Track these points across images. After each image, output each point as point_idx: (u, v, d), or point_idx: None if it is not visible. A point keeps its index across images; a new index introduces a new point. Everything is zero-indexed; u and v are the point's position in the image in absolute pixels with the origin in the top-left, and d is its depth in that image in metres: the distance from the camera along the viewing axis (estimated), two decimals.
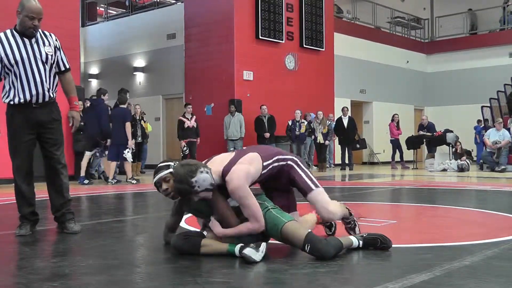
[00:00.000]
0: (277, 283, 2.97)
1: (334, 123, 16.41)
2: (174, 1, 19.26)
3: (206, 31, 16.12)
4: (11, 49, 4.43)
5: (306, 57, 17.39)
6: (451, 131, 16.60)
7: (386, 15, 23.30)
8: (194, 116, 13.96)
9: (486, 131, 16.49)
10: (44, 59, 4.50)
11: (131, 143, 11.37)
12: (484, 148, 15.86)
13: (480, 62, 22.37)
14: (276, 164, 3.79)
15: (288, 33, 16.88)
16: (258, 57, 15.98)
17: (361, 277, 3.15)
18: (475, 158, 17.94)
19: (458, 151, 15.67)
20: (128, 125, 11.26)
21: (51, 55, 4.55)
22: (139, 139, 13.95)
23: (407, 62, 22.85)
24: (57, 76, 4.67)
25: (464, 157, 15.34)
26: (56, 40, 4.67)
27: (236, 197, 3.49)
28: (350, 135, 16.27)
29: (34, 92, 4.48)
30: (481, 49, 22.45)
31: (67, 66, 4.68)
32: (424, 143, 17.51)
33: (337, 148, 17.03)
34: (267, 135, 14.83)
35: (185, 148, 13.61)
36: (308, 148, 15.71)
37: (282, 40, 16.56)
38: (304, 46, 17.25)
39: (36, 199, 4.85)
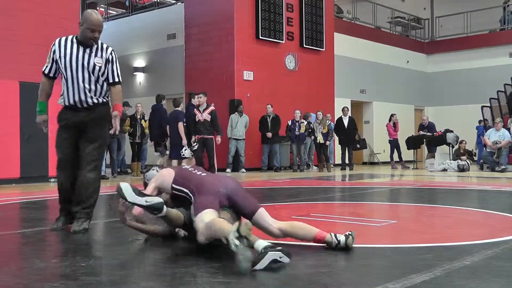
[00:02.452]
0: (278, 283, 2.98)
1: (334, 123, 16.40)
2: (174, 1, 19.26)
3: (206, 31, 16.13)
4: (65, 54, 4.80)
5: (306, 57, 17.39)
6: (451, 131, 16.61)
7: (386, 15, 23.31)
8: (211, 108, 12.11)
9: (486, 131, 16.49)
10: (91, 69, 4.79)
11: (185, 141, 11.83)
12: (484, 148, 15.85)
13: (480, 62, 22.37)
14: (183, 194, 3.92)
15: (288, 33, 16.88)
16: (258, 57, 15.98)
17: (362, 277, 3.15)
18: (475, 158, 17.92)
19: (461, 150, 15.67)
20: (180, 125, 11.83)
21: (99, 67, 4.81)
22: (138, 139, 13.95)
23: (407, 62, 22.85)
24: (105, 84, 4.92)
25: (464, 157, 15.34)
26: (110, 53, 4.91)
27: None
28: (350, 135, 16.27)
29: (77, 97, 4.83)
30: (481, 49, 22.45)
31: (116, 80, 4.93)
32: (424, 143, 17.50)
33: (337, 148, 17.02)
34: (269, 134, 14.83)
35: (194, 144, 12.32)
36: (308, 148, 15.70)
37: (282, 40, 16.56)
38: (304, 46, 17.26)
39: (72, 192, 5.01)
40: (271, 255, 3.19)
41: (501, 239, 4.16)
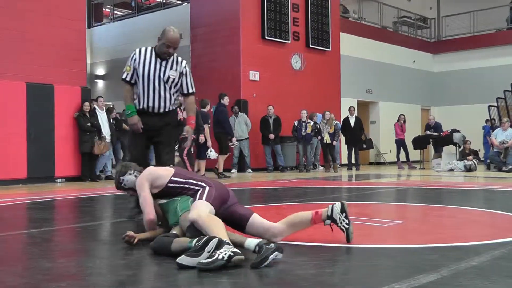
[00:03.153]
0: (283, 284, 2.97)
1: (341, 123, 16.37)
2: (180, 2, 19.28)
3: (212, 31, 16.14)
4: (143, 64, 5.26)
5: (312, 57, 17.38)
6: (458, 131, 16.55)
7: (392, 15, 23.26)
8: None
9: (493, 131, 16.42)
10: (165, 80, 5.27)
11: (210, 143, 11.98)
12: (491, 148, 15.80)
13: (487, 61, 22.29)
14: (186, 185, 4.02)
15: (294, 33, 16.88)
16: (264, 57, 15.98)
17: (368, 277, 3.14)
18: (482, 158, 17.86)
19: (466, 150, 15.61)
20: (205, 126, 11.90)
21: (173, 79, 5.30)
22: None
23: (414, 61, 22.80)
24: (177, 94, 5.44)
25: (470, 157, 15.28)
26: (184, 67, 5.38)
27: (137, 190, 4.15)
28: (356, 135, 16.24)
29: (151, 104, 5.31)
30: (487, 49, 22.36)
31: (190, 91, 5.43)
32: (431, 143, 17.45)
33: (343, 148, 16.99)
34: (272, 136, 14.83)
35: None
36: (314, 148, 15.69)
37: (288, 40, 16.56)
38: (310, 46, 17.25)
39: None
40: (272, 256, 3.21)
41: (508, 239, 4.14)
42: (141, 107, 5.36)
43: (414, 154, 17.86)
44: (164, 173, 4.11)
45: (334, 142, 15.53)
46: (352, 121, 16.25)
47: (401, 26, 23.80)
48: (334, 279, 3.02)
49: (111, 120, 13.02)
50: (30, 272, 3.31)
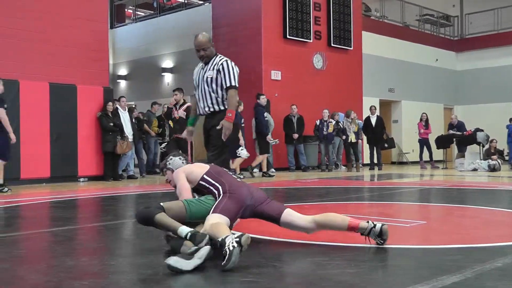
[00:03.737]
0: (306, 283, 2.96)
1: (362, 122, 16.29)
2: (202, 2, 19.34)
3: (234, 31, 16.15)
4: (197, 72, 5.74)
5: (334, 56, 17.31)
6: (482, 130, 16.36)
7: (415, 13, 23.06)
8: (187, 104, 11.32)
9: None
10: (205, 81, 5.58)
11: (242, 141, 12.21)
12: None
13: (511, 59, 21.98)
14: (212, 188, 4.04)
15: (316, 32, 16.82)
16: (286, 56, 15.96)
17: (390, 278, 3.12)
18: (506, 158, 17.63)
19: (492, 150, 15.42)
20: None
21: (211, 78, 5.54)
22: (167, 138, 14.04)
23: (436, 60, 22.58)
24: (222, 93, 5.56)
25: (495, 156, 15.09)
26: (221, 64, 5.57)
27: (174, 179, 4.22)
28: (378, 134, 16.14)
29: (201, 105, 5.63)
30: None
31: (228, 84, 5.52)
32: (454, 142, 17.27)
33: (365, 147, 16.89)
34: (296, 136, 14.78)
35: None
36: (336, 148, 15.62)
37: (310, 39, 16.51)
38: (332, 45, 17.18)
39: None
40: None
41: None
42: (198, 112, 5.76)
43: (437, 154, 17.69)
44: (198, 170, 4.18)
45: (359, 141, 15.46)
46: (373, 120, 16.14)
47: (423, 24, 23.57)
48: (355, 280, 3.00)
49: (133, 120, 13.10)
50: (53, 270, 3.34)
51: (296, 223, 3.94)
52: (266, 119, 13.50)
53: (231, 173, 4.31)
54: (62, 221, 5.75)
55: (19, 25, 11.49)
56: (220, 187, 4.00)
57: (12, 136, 9.62)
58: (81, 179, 11.99)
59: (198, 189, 4.12)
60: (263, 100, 13.49)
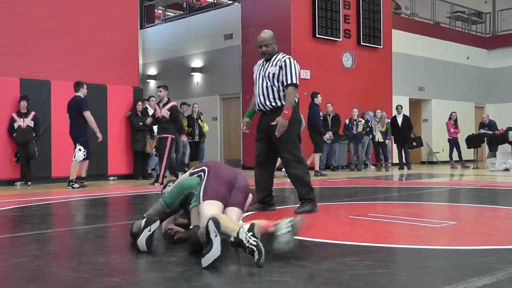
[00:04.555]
0: (335, 284, 2.95)
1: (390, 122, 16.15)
2: (231, 2, 19.38)
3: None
4: (257, 68, 5.89)
5: (363, 54, 17.20)
6: None
7: (446, 10, 22.77)
8: (171, 104, 10.70)
9: None
10: (267, 76, 5.71)
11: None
12: None
13: None
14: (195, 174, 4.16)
15: (345, 31, 16.73)
16: (315, 55, 15.90)
17: (420, 279, 3.09)
18: None
19: None
20: None
21: (273, 73, 5.66)
22: (197, 138, 14.13)
23: (468, 58, 22.25)
24: (284, 88, 5.66)
25: None
26: (284, 61, 5.67)
27: None
28: (405, 133, 15.97)
29: (258, 101, 5.79)
30: None
31: (288, 82, 5.62)
32: (485, 141, 17.01)
33: (394, 147, 16.73)
34: (330, 133, 14.73)
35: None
36: (366, 147, 15.52)
37: (339, 38, 16.43)
38: (362, 43, 17.07)
39: (269, 186, 5.94)
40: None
41: None
42: (256, 107, 5.88)
43: (468, 153, 17.44)
44: (187, 173, 4.34)
45: (387, 141, 15.33)
46: (399, 120, 15.98)
47: (454, 22, 23.26)
48: (385, 280, 2.98)
49: None
50: (84, 267, 3.38)
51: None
52: (321, 118, 13.48)
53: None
54: (92, 219, 5.83)
55: (50, 26, 11.67)
56: (205, 168, 4.08)
57: (99, 135, 10.16)
58: (111, 178, 12.13)
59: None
60: (319, 99, 13.41)
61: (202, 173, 4.07)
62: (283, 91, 5.64)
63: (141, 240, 3.64)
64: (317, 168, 13.22)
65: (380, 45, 17.62)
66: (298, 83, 5.66)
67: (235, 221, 3.88)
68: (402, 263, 3.52)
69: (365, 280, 2.96)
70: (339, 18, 16.37)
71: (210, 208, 3.74)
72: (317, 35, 15.82)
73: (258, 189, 5.92)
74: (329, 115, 14.84)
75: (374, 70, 17.46)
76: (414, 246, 3.88)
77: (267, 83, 5.69)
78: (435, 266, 3.36)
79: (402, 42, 19.10)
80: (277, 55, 5.76)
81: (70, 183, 10.14)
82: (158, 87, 11.08)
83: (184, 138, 11.63)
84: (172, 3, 22.34)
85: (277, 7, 15.85)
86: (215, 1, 19.68)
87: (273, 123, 5.54)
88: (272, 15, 15.89)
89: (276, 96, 5.67)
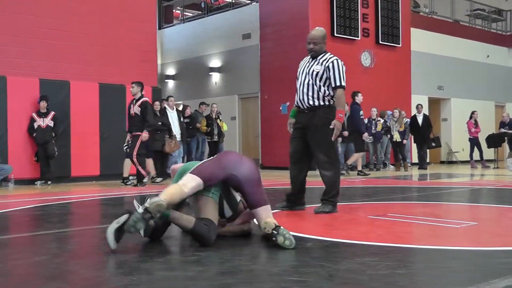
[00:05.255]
0: (354, 284, 2.93)
1: (409, 121, 16.03)
2: (249, 1, 19.39)
3: (281, 30, 16.14)
4: (302, 65, 5.97)
5: (382, 53, 17.10)
6: None
7: (465, 8, 22.56)
8: (142, 100, 10.40)
9: None
10: (310, 74, 5.76)
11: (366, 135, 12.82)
12: None
13: None
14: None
15: (364, 30, 16.65)
16: (334, 54, 15.78)
17: (441, 280, 3.06)
18: None
19: None
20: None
21: (317, 72, 5.71)
22: (215, 138, 14.16)
23: (487, 56, 22.02)
24: (324, 89, 5.72)
25: None
26: (331, 62, 5.73)
27: None
28: (425, 133, 15.85)
29: (298, 98, 5.85)
30: None
31: (337, 84, 5.67)
32: (506, 141, 16.83)
33: (414, 146, 16.61)
34: (346, 133, 14.63)
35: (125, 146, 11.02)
36: (385, 147, 15.42)
37: (358, 37, 16.36)
38: (380, 42, 16.98)
39: (302, 185, 5.96)
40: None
41: None
42: (295, 103, 5.93)
43: (488, 153, 17.27)
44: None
45: (404, 141, 15.23)
46: (419, 119, 15.86)
47: (474, 20, 23.04)
48: (405, 281, 2.96)
49: (181, 119, 13.23)
50: (103, 265, 3.41)
51: (259, 224, 4.02)
52: (362, 117, 13.45)
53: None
54: (112, 218, 5.84)
55: (70, 27, 11.77)
56: (216, 156, 4.21)
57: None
58: (130, 177, 12.19)
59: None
60: (360, 97, 13.36)
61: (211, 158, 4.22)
62: (325, 91, 5.70)
63: (109, 231, 3.74)
64: (359, 168, 13.20)
65: (399, 44, 17.51)
66: (345, 85, 5.73)
67: (268, 219, 3.97)
68: (421, 263, 3.49)
69: (384, 280, 2.94)
70: (357, 17, 16.30)
71: (187, 179, 3.88)
72: (335, 34, 15.76)
73: (292, 186, 5.98)
74: (345, 114, 14.74)
75: (393, 69, 17.35)
76: (434, 246, 3.85)
77: (309, 80, 5.75)
78: (455, 267, 3.33)
79: (421, 40, 18.96)
80: (324, 55, 5.82)
81: (124, 180, 10.72)
82: (132, 83, 10.64)
83: (145, 134, 10.29)
84: (190, 3, 22.41)
85: (295, 6, 15.82)
86: (233, 1, 19.70)
87: (331, 127, 5.59)
88: (290, 15, 15.87)
89: (316, 95, 5.71)
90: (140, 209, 3.60)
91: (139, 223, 3.59)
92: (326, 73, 5.69)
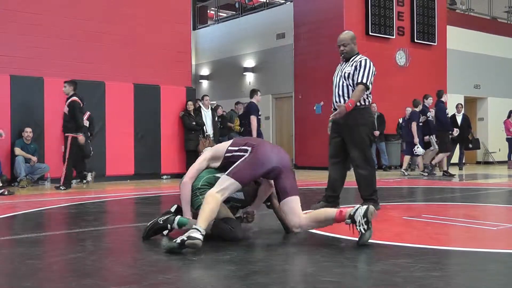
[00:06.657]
0: (388, 285, 2.90)
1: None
2: (284, 1, 19.36)
3: (315, 29, 16.08)
4: (337, 68, 6.08)
5: (417, 52, 16.89)
6: None
7: (503, 4, 22.11)
8: (70, 99, 9.76)
9: None
10: (343, 75, 5.87)
11: (417, 139, 12.61)
12: None
13: None
14: (237, 153, 4.10)
15: (399, 28, 16.48)
16: (368, 53, 15.38)
17: (476, 283, 3.00)
18: None
19: None
20: (413, 124, 12.69)
21: (349, 73, 5.81)
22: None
23: None
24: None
25: None
26: (360, 61, 5.83)
27: None
28: (464, 133, 15.58)
29: (334, 100, 5.95)
30: None
31: (359, 80, 5.73)
32: None
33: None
34: (377, 133, 14.53)
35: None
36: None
37: (393, 35, 16.19)
38: (415, 41, 16.78)
39: (339, 186, 6.01)
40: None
41: None
42: (332, 106, 6.04)
43: None
44: (223, 145, 4.29)
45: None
46: (459, 119, 15.60)
47: None
48: (440, 283, 2.91)
49: (215, 118, 13.30)
50: (138, 263, 3.44)
51: (292, 213, 3.98)
52: (448, 115, 13.33)
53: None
54: (146, 217, 5.90)
55: (105, 29, 11.92)
56: (248, 148, 4.05)
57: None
58: (164, 177, 12.30)
59: (226, 162, 4.13)
60: (444, 97, 13.23)
61: (245, 153, 4.05)
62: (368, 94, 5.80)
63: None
64: (445, 168, 12.91)
65: (435, 42, 17.27)
66: (369, 84, 5.75)
67: (299, 212, 3.98)
68: (457, 266, 3.44)
69: (419, 282, 2.90)
70: (392, 15, 16.13)
71: (219, 187, 3.85)
72: (370, 33, 15.63)
73: (328, 186, 6.04)
74: (374, 114, 14.62)
75: (428, 68, 17.12)
76: (470, 248, 3.78)
77: (343, 82, 5.85)
78: (493, 270, 3.27)
79: (457, 38, 18.66)
80: (356, 56, 5.91)
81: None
82: (64, 82, 9.98)
83: (80, 136, 9.77)
84: (225, 4, 22.48)
85: (329, 5, 15.74)
86: (267, 1, 19.70)
87: (349, 122, 5.70)
88: (325, 14, 15.80)
89: (349, 96, 5.79)
90: (178, 240, 3.57)
91: (171, 249, 3.61)
92: (354, 72, 5.79)
